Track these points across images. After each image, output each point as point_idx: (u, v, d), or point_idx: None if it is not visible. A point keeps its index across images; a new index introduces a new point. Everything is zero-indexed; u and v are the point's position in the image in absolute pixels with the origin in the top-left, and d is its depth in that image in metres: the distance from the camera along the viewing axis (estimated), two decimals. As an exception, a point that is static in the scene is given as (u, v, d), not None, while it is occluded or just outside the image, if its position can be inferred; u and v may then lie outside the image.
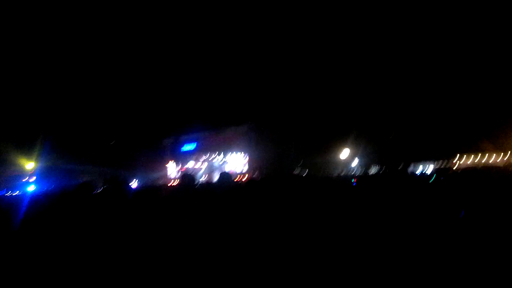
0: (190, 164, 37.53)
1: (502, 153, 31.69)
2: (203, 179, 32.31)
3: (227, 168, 35.14)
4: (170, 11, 36.23)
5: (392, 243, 4.50)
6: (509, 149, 31.88)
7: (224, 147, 36.30)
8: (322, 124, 38.28)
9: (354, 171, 33.54)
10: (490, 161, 31.62)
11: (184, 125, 39.04)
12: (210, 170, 35.98)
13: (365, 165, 35.42)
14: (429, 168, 29.93)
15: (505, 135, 32.19)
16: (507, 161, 30.14)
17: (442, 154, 33.91)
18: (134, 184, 26.00)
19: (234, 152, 36.79)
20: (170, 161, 40.74)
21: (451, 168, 26.05)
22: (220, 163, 36.17)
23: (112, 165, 36.94)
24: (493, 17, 31.04)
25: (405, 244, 4.44)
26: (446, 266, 3.95)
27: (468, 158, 33.46)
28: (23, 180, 32.48)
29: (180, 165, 38.69)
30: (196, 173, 35.10)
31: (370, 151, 35.36)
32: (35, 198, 8.35)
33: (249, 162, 35.51)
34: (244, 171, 35.09)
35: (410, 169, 25.77)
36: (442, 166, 30.77)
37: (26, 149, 35.96)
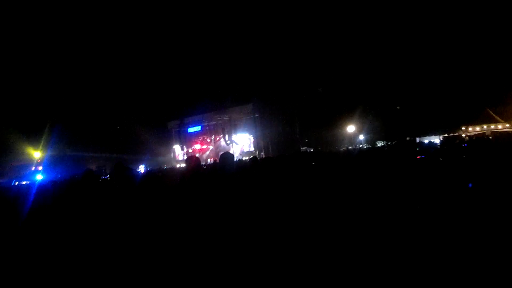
0: (196, 146, 37.50)
1: (508, 123, 31.43)
2: (209, 160, 32.31)
3: (235, 148, 35.09)
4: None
5: (402, 211, 4.45)
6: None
7: (230, 127, 36.17)
8: (327, 100, 38.11)
9: (361, 145, 33.39)
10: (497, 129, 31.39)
11: (188, 107, 38.96)
12: (217, 151, 35.95)
13: (371, 139, 35.28)
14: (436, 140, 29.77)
15: (509, 104, 31.93)
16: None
17: (448, 126, 33.72)
18: (141, 169, 26.00)
19: (241, 133, 36.69)
20: (176, 144, 40.73)
21: (459, 136, 25.85)
22: (227, 143, 36.08)
23: (118, 151, 37.02)
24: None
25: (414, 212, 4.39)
26: (453, 237, 3.89)
27: (474, 128, 33.23)
28: (31, 169, 32.59)
29: (186, 148, 38.69)
30: (202, 155, 35.12)
31: (376, 125, 35.18)
32: (43, 187, 8.35)
33: (255, 141, 35.43)
34: (250, 151, 35.06)
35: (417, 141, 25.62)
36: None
37: (33, 138, 36.06)
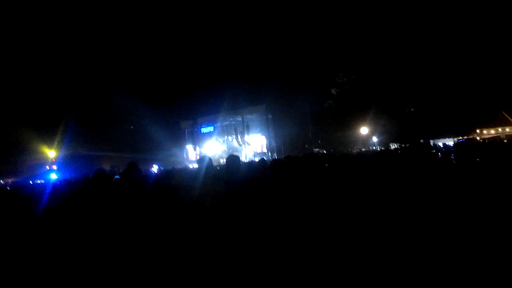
0: (209, 147, 37.56)
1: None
2: (221, 161, 32.37)
3: (247, 149, 35.10)
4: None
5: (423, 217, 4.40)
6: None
7: (243, 128, 36.17)
8: (340, 101, 37.98)
9: (374, 147, 33.16)
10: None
11: (202, 107, 39.12)
12: (229, 152, 35.97)
13: (384, 142, 35.03)
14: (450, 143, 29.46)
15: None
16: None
17: (462, 128, 33.36)
18: (154, 168, 26.16)
19: (253, 133, 36.68)
20: (189, 144, 40.84)
21: (474, 139, 25.56)
22: (239, 144, 36.09)
23: (132, 150, 37.29)
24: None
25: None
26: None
27: (489, 131, 32.82)
28: (46, 168, 32.95)
29: (198, 148, 38.78)
30: (215, 155, 35.17)
31: (389, 127, 34.91)
32: (56, 187, 8.43)
33: (268, 142, 35.40)
34: (263, 152, 35.04)
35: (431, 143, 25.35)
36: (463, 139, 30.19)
37: (48, 138, 36.46)
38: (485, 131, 32.58)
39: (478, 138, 28.07)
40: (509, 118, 32.01)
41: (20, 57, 36.54)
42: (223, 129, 38.61)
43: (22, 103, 37.08)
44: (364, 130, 35.10)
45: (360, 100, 36.15)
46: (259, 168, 6.55)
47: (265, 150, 35.47)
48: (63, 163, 34.98)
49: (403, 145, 26.01)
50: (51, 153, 35.76)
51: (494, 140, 18.39)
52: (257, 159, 25.73)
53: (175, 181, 5.94)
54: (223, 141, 38.26)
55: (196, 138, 39.49)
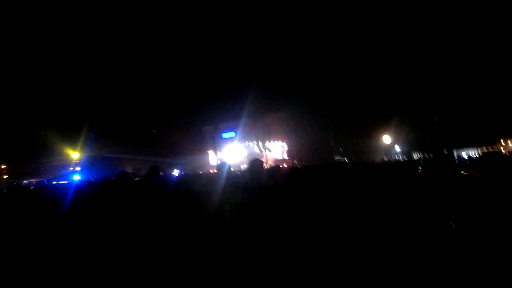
0: (230, 152, 37.66)
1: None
2: (243, 166, 32.41)
3: (267, 156, 35.07)
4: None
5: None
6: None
7: (264, 134, 36.18)
8: (362, 110, 37.67)
9: (396, 157, 32.76)
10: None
11: (223, 113, 39.28)
12: (250, 158, 35.92)
13: (407, 151, 34.59)
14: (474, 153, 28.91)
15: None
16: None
17: (486, 139, 32.72)
18: (175, 172, 26.32)
19: (274, 140, 36.67)
20: (210, 149, 41.02)
21: (499, 151, 25.04)
22: (260, 150, 36.09)
23: (154, 154, 37.60)
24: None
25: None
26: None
27: (512, 142, 32.22)
28: (69, 170, 33.47)
29: (219, 153, 38.92)
30: (235, 160, 35.23)
31: (412, 137, 34.45)
32: (80, 187, 8.55)
33: (289, 149, 35.34)
34: (283, 159, 34.98)
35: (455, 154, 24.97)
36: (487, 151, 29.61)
37: (72, 140, 37.07)
38: (510, 142, 31.94)
39: (503, 150, 27.49)
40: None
41: (47, 61, 37.26)
42: (244, 135, 38.68)
43: (47, 106, 37.79)
44: (386, 139, 34.72)
45: (383, 109, 35.81)
46: (276, 176, 6.55)
47: (285, 156, 35.41)
48: (86, 165, 35.47)
49: (426, 156, 25.67)
50: (75, 154, 36.33)
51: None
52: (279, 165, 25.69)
53: (195, 186, 5.99)
54: (244, 147, 38.31)
55: (217, 143, 39.66)
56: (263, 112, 36.16)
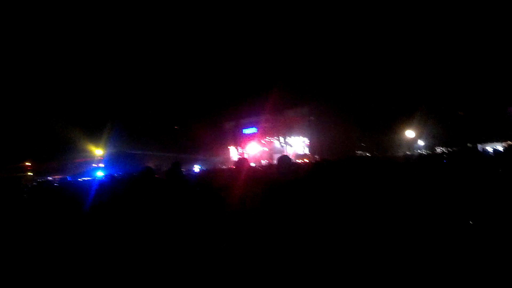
0: (251, 148, 37.67)
1: None
2: (264, 162, 32.42)
3: (288, 151, 34.96)
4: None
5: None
6: None
7: (285, 130, 36.09)
8: (385, 104, 37.26)
9: (420, 151, 32.29)
10: None
11: (244, 109, 39.28)
12: (271, 153, 35.91)
13: (430, 145, 34.07)
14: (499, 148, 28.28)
15: None
16: None
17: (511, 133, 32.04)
18: (196, 168, 26.47)
19: (295, 135, 36.55)
20: (231, 145, 41.10)
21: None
22: (281, 146, 36.01)
23: (175, 150, 37.87)
24: None
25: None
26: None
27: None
28: (92, 166, 33.96)
29: (240, 149, 38.99)
30: (257, 156, 35.23)
31: (435, 131, 33.90)
32: (104, 183, 8.66)
33: (310, 144, 35.18)
34: (304, 154, 34.84)
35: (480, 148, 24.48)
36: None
37: (96, 136, 37.61)
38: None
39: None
40: None
41: (71, 59, 37.83)
42: (265, 130, 38.63)
43: (71, 104, 38.39)
44: (410, 133, 34.25)
45: (406, 102, 35.32)
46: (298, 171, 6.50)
47: (307, 151, 35.26)
48: (109, 161, 35.95)
49: (449, 149, 25.27)
50: (98, 151, 36.83)
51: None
52: (299, 161, 25.67)
53: (217, 181, 6.01)
54: (265, 142, 38.25)
55: (238, 139, 39.70)
56: (284, 107, 36.03)
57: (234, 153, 40.23)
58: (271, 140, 37.82)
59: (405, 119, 34.76)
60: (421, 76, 35.01)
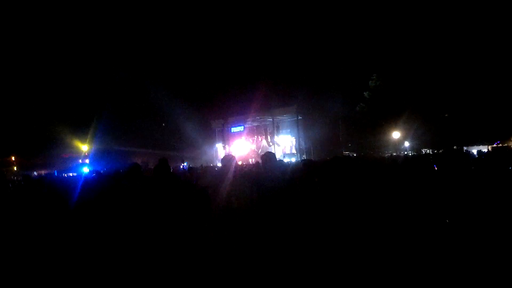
0: (238, 146, 37.66)
1: None
2: (251, 161, 32.41)
3: (277, 150, 35.00)
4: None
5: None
6: None
7: (272, 128, 36.15)
8: (371, 105, 37.55)
9: (406, 152, 32.57)
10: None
11: (232, 107, 39.32)
12: (258, 151, 35.94)
13: (416, 147, 34.40)
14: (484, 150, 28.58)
15: None
16: None
17: (497, 136, 32.46)
18: (183, 165, 26.38)
19: (283, 134, 36.63)
20: (218, 143, 41.05)
21: (509, 147, 24.81)
22: (269, 144, 36.04)
23: (162, 147, 37.75)
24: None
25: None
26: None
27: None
28: (78, 162, 33.69)
29: (228, 147, 38.93)
30: (244, 155, 35.22)
31: (422, 132, 34.22)
32: (90, 179, 8.59)
33: (298, 143, 35.28)
34: (292, 153, 34.95)
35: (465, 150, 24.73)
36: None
37: (82, 132, 37.34)
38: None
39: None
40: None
41: (57, 56, 37.56)
42: (253, 129, 38.65)
43: (57, 99, 38.09)
44: (396, 134, 34.53)
45: (393, 104, 35.61)
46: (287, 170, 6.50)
47: (294, 151, 35.37)
48: (95, 157, 35.69)
49: (435, 151, 25.51)
50: (84, 147, 36.56)
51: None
52: (286, 160, 25.71)
53: (204, 179, 5.98)
54: (253, 141, 38.27)
55: (226, 137, 39.66)
56: (272, 106, 36.10)
57: (221, 151, 40.18)
58: (259, 138, 37.83)
59: (392, 121, 35.04)
60: (409, 78, 35.32)
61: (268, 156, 4.86)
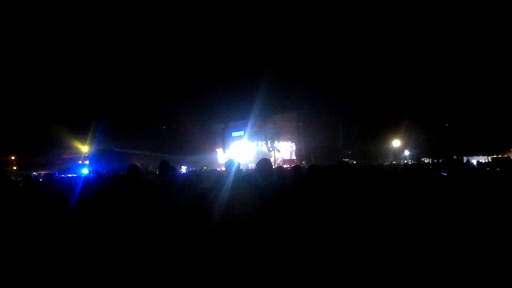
0: (238, 151, 37.64)
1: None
2: (251, 165, 32.37)
3: (277, 155, 34.98)
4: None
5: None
6: None
7: (273, 134, 36.15)
8: (372, 113, 37.55)
9: (405, 160, 32.54)
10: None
11: (233, 112, 39.32)
12: (258, 157, 35.84)
13: (416, 156, 34.37)
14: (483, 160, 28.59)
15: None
16: None
17: (497, 146, 32.46)
18: (183, 169, 26.33)
19: (283, 140, 36.61)
20: (219, 147, 41.03)
21: (509, 157, 24.79)
22: (269, 150, 36.04)
23: (162, 150, 37.71)
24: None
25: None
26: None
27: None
28: (78, 163, 33.66)
29: (228, 151, 38.93)
30: (244, 159, 35.18)
31: (421, 141, 34.23)
32: (89, 180, 8.56)
33: (297, 149, 35.28)
34: (291, 159, 34.93)
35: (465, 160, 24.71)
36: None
37: (82, 133, 37.34)
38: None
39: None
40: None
41: (58, 56, 37.61)
42: (253, 134, 38.66)
43: (58, 100, 38.12)
44: (396, 143, 34.50)
45: (393, 112, 35.63)
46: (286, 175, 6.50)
47: (294, 157, 35.35)
48: (95, 158, 35.65)
49: (435, 161, 25.49)
50: (84, 148, 36.56)
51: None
52: (286, 166, 25.66)
53: (205, 183, 5.96)
54: (253, 146, 38.26)
55: (226, 141, 39.66)
56: (273, 112, 36.15)
57: (221, 155, 40.15)
58: (259, 144, 37.82)
59: (392, 129, 35.03)
60: (409, 87, 35.35)
61: (264, 163, 4.80)
